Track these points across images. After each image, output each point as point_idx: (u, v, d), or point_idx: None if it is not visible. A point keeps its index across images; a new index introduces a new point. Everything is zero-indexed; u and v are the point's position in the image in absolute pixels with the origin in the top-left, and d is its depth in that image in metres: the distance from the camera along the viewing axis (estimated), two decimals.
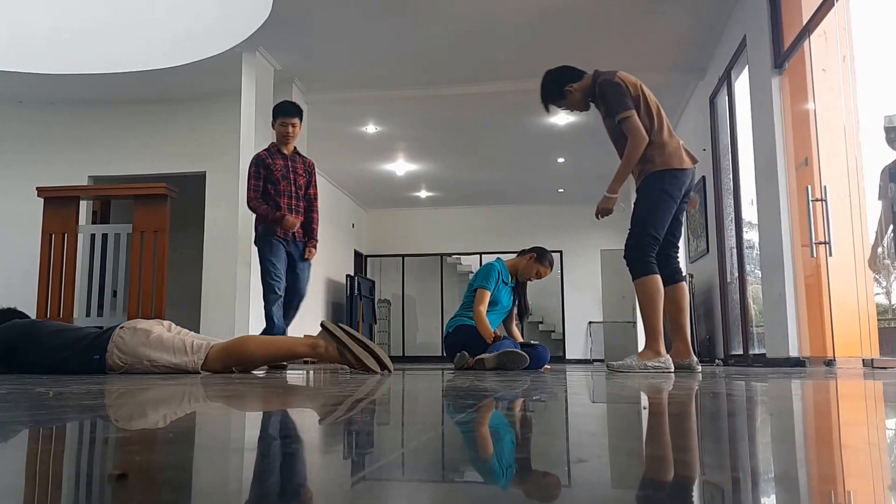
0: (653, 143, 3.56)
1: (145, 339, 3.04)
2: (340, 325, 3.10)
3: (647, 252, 3.49)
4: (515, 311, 4.85)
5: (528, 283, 4.86)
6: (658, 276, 3.47)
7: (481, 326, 4.41)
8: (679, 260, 3.77)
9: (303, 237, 4.87)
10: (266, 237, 4.78)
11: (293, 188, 4.80)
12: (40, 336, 3.17)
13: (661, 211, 3.54)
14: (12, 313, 3.46)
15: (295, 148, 4.94)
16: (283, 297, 4.74)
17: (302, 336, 3.21)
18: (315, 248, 4.92)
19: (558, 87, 3.86)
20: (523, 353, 4.10)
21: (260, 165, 4.81)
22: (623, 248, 3.64)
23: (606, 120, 3.72)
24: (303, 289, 4.88)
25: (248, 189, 4.82)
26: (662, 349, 3.42)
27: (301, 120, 4.92)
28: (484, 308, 4.50)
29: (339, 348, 2.99)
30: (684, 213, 3.81)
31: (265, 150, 4.91)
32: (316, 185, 5.00)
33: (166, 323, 3.28)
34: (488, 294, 4.55)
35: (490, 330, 4.42)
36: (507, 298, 4.72)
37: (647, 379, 2.60)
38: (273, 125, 4.92)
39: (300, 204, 4.85)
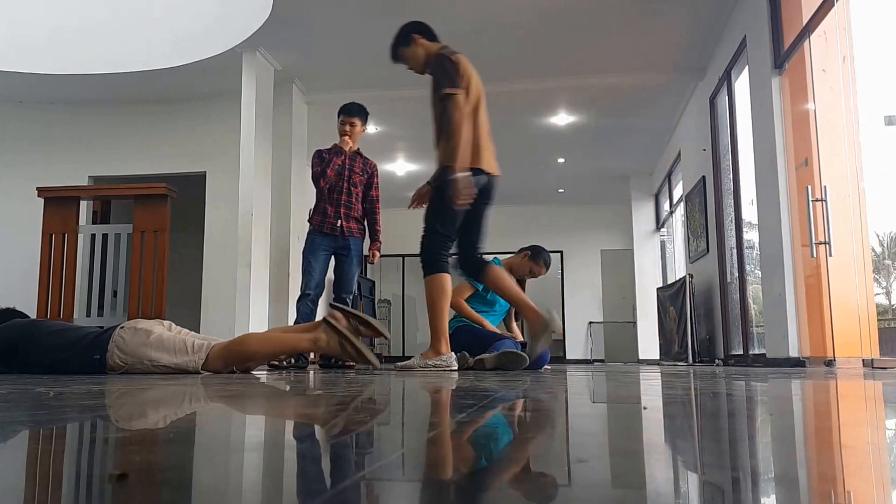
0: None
1: (146, 339, 3.04)
2: (346, 309, 3.12)
3: (437, 250, 3.48)
4: (514, 310, 4.85)
5: (527, 281, 4.88)
6: (446, 276, 3.48)
7: (467, 317, 4.48)
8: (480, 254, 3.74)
9: (359, 234, 4.97)
10: (308, 232, 4.93)
11: (347, 185, 4.91)
12: (40, 336, 3.17)
13: (453, 209, 3.47)
14: (12, 313, 3.46)
15: (358, 149, 5.07)
16: (316, 293, 4.78)
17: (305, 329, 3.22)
18: (379, 250, 5.07)
19: (409, 34, 3.83)
20: (523, 354, 4.10)
21: (316, 157, 4.95)
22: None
23: (434, 94, 3.72)
24: (348, 286, 4.92)
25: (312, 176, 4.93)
26: (444, 348, 3.50)
27: (363, 121, 5.06)
28: (461, 298, 4.55)
29: (340, 342, 3.00)
30: (484, 217, 3.74)
31: (328, 148, 5.04)
32: (378, 187, 5.14)
33: (166, 323, 3.28)
34: (468, 286, 4.60)
35: (474, 314, 4.49)
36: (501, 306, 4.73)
37: (427, 378, 2.61)
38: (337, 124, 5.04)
39: (354, 203, 4.95)
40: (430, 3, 6.23)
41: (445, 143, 3.54)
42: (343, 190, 4.91)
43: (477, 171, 3.56)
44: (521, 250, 4.81)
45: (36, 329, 3.21)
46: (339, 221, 4.89)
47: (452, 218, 3.51)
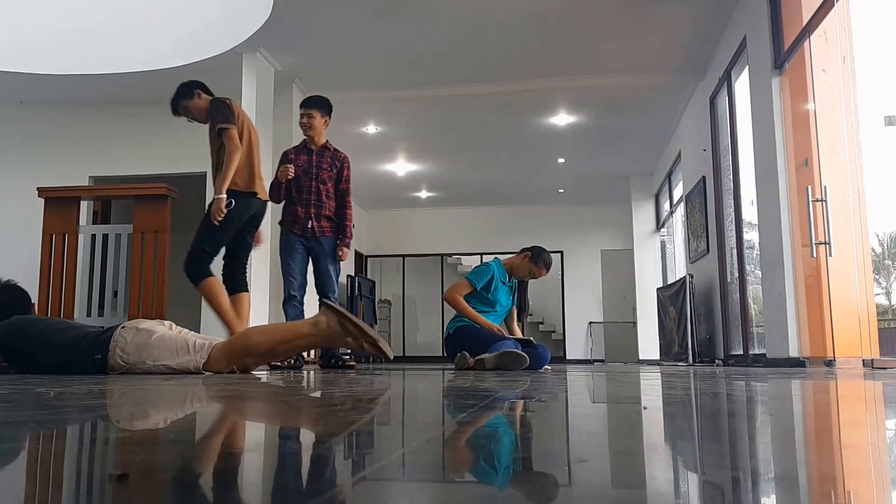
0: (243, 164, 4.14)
1: (148, 340, 3.03)
2: (340, 309, 3.12)
3: (201, 263, 4.12)
4: (515, 309, 4.85)
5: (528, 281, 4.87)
6: (213, 279, 4.13)
7: (463, 313, 4.50)
8: (244, 274, 4.38)
9: (330, 232, 4.80)
10: (281, 233, 4.86)
11: (315, 183, 4.78)
12: (40, 335, 3.16)
13: (219, 230, 4.10)
14: (13, 289, 3.44)
15: (326, 142, 4.95)
16: (301, 294, 4.74)
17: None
18: (347, 247, 4.83)
19: (192, 89, 4.32)
20: (523, 354, 4.10)
21: (282, 158, 4.94)
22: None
23: (211, 133, 4.28)
24: (329, 286, 4.78)
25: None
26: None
27: (323, 113, 4.95)
28: (458, 294, 4.56)
29: (340, 321, 3.00)
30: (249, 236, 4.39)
31: (295, 146, 5.00)
32: (348, 180, 4.90)
33: (167, 323, 3.28)
34: (466, 284, 4.60)
35: (470, 310, 4.51)
36: (505, 298, 4.72)
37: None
38: None
39: (325, 201, 4.79)
40: (431, 3, 6.23)
41: (220, 172, 4.12)
42: (312, 189, 4.78)
43: (252, 195, 4.19)
44: (522, 251, 4.81)
45: (35, 328, 3.21)
46: (310, 222, 4.76)
47: (220, 235, 4.15)
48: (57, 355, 3.13)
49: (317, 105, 4.93)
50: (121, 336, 3.06)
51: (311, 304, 4.55)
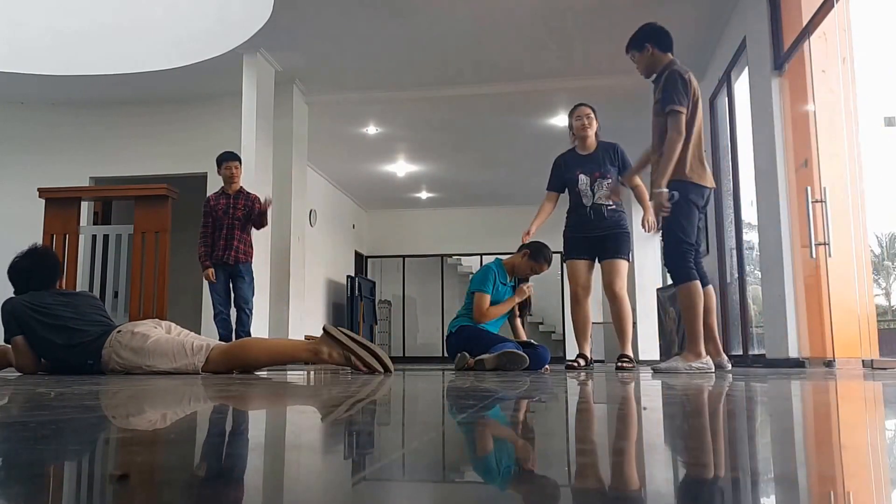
0: (687, 150, 3.66)
1: (143, 344, 3.03)
2: (341, 329, 3.09)
3: (686, 258, 3.61)
4: (517, 309, 4.85)
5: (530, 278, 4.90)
6: (698, 282, 3.60)
7: (498, 315, 4.60)
8: (703, 265, 3.88)
9: (235, 261, 5.47)
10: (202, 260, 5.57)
11: (230, 220, 5.52)
12: (35, 326, 3.15)
13: (691, 219, 3.64)
14: (32, 255, 3.40)
15: (241, 188, 5.69)
16: (226, 311, 5.54)
17: (303, 338, 3.19)
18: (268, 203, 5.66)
19: (643, 40, 3.92)
20: (523, 354, 4.10)
21: (205, 204, 5.67)
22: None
23: (655, 106, 3.86)
24: (245, 301, 5.51)
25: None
26: (703, 350, 3.57)
27: (240, 163, 5.73)
28: (486, 308, 4.55)
29: (345, 354, 2.96)
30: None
31: (215, 193, 5.74)
32: (253, 214, 5.58)
33: (165, 324, 3.27)
34: (483, 297, 4.61)
35: (497, 308, 4.58)
36: (507, 297, 4.73)
37: (692, 379, 2.63)
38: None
39: (237, 234, 5.50)
40: (431, 4, 6.24)
41: (662, 158, 3.67)
42: (231, 226, 5.50)
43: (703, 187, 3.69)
44: (520, 249, 4.81)
45: (30, 317, 3.18)
46: (229, 252, 5.46)
47: (694, 227, 3.66)
48: (52, 352, 3.13)
49: (238, 157, 5.78)
50: (116, 341, 3.04)
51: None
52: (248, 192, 5.71)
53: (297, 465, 0.70)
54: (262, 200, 5.64)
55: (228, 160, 5.66)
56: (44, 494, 0.57)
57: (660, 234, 3.85)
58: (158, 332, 3.13)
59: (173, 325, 3.30)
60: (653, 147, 3.85)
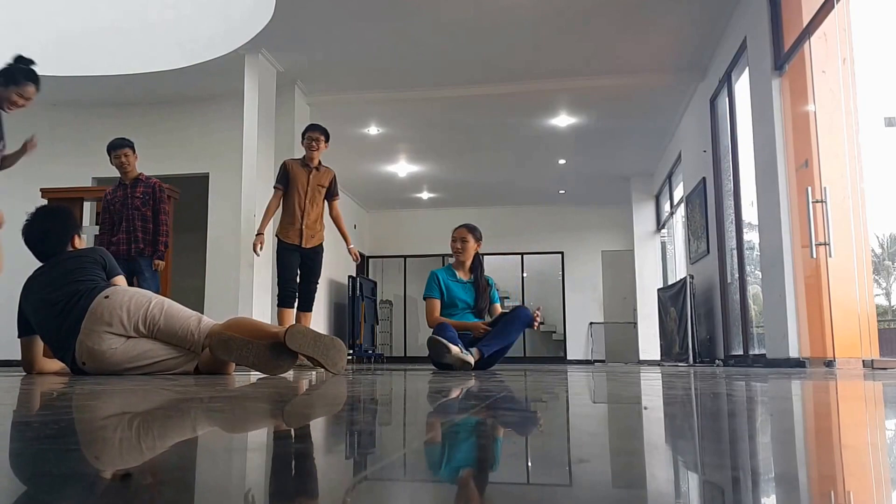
0: None
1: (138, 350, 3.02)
2: (297, 332, 2.97)
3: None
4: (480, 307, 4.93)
5: (485, 269, 5.02)
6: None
7: (454, 326, 4.61)
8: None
9: (138, 254, 4.99)
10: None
11: (129, 212, 5.05)
12: (27, 310, 3.14)
13: None
14: (43, 217, 3.38)
15: (139, 174, 5.17)
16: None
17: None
18: (161, 259, 5.07)
19: None
20: (468, 360, 4.24)
21: (102, 204, 5.16)
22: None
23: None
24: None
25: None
26: None
27: (133, 150, 5.15)
28: (436, 315, 4.76)
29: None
30: None
31: (111, 186, 5.24)
32: (157, 202, 5.12)
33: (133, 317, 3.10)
34: (435, 301, 4.80)
35: (452, 322, 4.61)
36: (463, 293, 4.86)
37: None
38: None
39: (139, 224, 5.03)
40: (432, 5, 6.24)
41: None
42: (130, 218, 5.05)
43: None
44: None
45: (24, 299, 3.17)
46: (131, 246, 5.01)
47: None
48: (43, 337, 3.11)
49: (130, 145, 5.17)
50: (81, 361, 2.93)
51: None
52: (147, 178, 5.22)
53: (298, 465, 0.70)
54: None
55: (117, 148, 5.13)
56: (44, 494, 0.58)
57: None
58: (120, 341, 3.00)
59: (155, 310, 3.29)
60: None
